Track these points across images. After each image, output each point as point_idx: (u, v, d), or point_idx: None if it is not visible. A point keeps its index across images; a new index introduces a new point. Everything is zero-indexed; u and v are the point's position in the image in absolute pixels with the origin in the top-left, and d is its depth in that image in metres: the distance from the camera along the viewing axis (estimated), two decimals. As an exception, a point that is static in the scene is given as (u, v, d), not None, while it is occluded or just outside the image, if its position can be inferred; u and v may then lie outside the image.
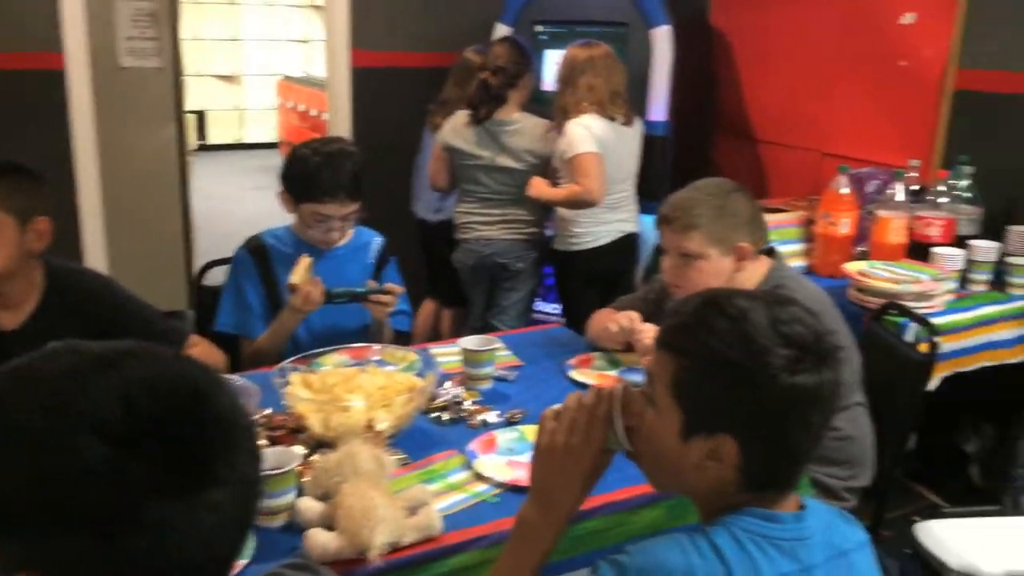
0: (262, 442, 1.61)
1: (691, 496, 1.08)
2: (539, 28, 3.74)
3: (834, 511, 1.10)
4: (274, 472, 1.39)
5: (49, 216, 1.86)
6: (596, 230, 3.06)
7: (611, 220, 3.07)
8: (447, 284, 3.50)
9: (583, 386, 1.95)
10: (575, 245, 3.08)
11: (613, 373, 2.04)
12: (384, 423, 1.59)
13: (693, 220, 1.85)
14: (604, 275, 3.10)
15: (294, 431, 1.66)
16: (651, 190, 3.22)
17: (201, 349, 2.03)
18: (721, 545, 0.97)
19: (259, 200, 7.01)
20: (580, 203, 2.96)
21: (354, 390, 1.68)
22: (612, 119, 2.97)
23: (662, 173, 3.43)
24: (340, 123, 4.08)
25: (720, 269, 1.85)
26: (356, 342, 1.99)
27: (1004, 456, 2.64)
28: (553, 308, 3.64)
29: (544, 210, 3.18)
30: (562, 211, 3.08)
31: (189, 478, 0.69)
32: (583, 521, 1.43)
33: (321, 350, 1.89)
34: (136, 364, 0.72)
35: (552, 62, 3.67)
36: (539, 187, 3.03)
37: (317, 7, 9.57)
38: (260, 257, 2.22)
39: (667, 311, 1.08)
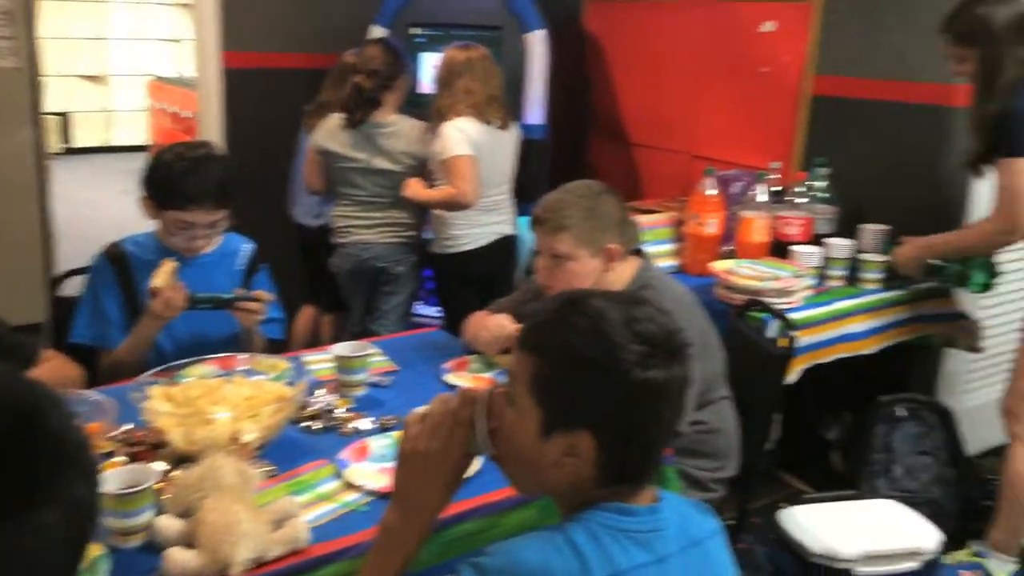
0: (120, 459, 1.54)
1: (551, 495, 1.10)
2: (415, 31, 3.73)
3: (689, 502, 1.14)
4: (130, 491, 1.34)
5: None
6: (473, 232, 3.07)
7: (488, 222, 3.09)
8: (327, 289, 3.44)
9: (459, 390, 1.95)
10: (452, 248, 3.08)
11: (489, 376, 2.05)
12: (250, 435, 1.54)
13: (563, 221, 1.89)
14: (482, 277, 3.12)
15: (155, 447, 1.59)
16: (528, 192, 3.25)
17: (54, 364, 1.92)
18: (578, 541, 0.99)
19: (127, 205, 6.66)
20: (454, 205, 2.96)
21: (219, 402, 1.63)
22: (488, 123, 2.99)
23: (539, 175, 3.48)
24: (211, 126, 3.95)
25: (589, 270, 1.89)
26: (225, 351, 1.93)
27: (861, 442, 2.78)
28: (435, 311, 3.63)
29: (422, 213, 3.17)
30: (438, 214, 3.07)
31: (9, 499, 0.66)
32: (455, 525, 1.43)
33: (185, 361, 1.82)
34: None
35: (428, 64, 3.68)
36: (414, 188, 3.02)
37: (187, 5, 9.22)
38: (120, 265, 2.12)
39: (527, 313, 1.11)
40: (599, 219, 1.91)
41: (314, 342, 3.53)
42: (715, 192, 2.77)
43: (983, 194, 2.40)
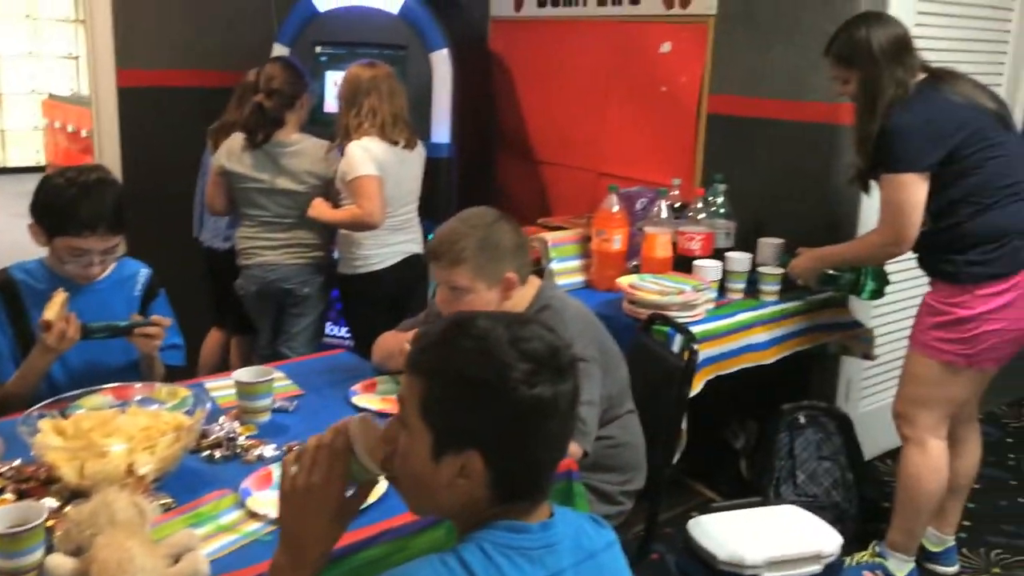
0: (8, 496, 1.48)
1: (447, 516, 1.11)
2: (319, 49, 3.70)
3: (584, 516, 1.17)
4: (19, 529, 1.28)
5: None
6: (381, 252, 3.05)
7: (395, 241, 3.07)
8: (235, 312, 3.37)
9: (369, 413, 1.94)
10: (361, 268, 3.05)
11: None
12: (146, 467, 1.50)
13: (459, 255, 1.87)
14: (391, 297, 3.10)
15: (45, 482, 1.53)
16: (435, 211, 3.25)
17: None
18: (470, 561, 1.00)
19: (21, 230, 6.42)
20: (361, 225, 2.94)
21: (113, 433, 1.57)
22: (394, 143, 2.98)
23: (446, 194, 3.49)
24: (108, 146, 3.83)
25: (488, 301, 1.89)
26: (124, 380, 1.87)
27: (766, 450, 2.87)
28: (346, 331, 3.59)
29: (329, 233, 3.13)
30: (345, 234, 3.04)
31: None
32: (362, 551, 1.42)
33: (78, 392, 1.75)
34: None
35: (332, 83, 3.65)
36: (320, 208, 2.99)
37: (83, 21, 8.94)
38: (8, 294, 2.04)
39: (415, 337, 1.13)
40: (495, 249, 1.89)
41: (224, 367, 3.45)
42: (619, 209, 2.83)
43: (873, 206, 2.51)
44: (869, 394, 3.29)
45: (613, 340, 2.08)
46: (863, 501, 2.84)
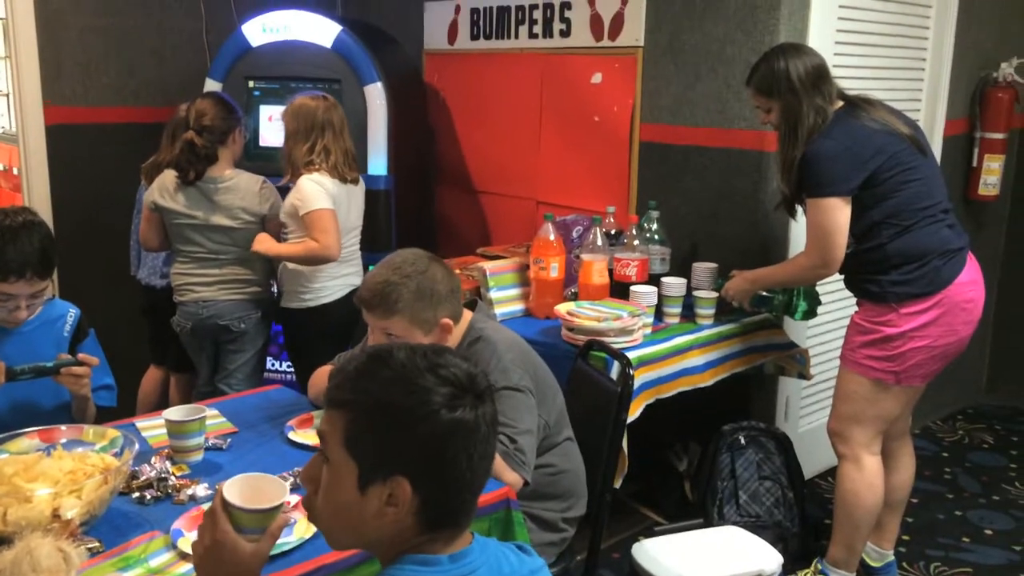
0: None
1: (370, 548, 1.11)
2: (252, 83, 3.69)
3: (508, 545, 1.18)
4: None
5: None
6: (329, 285, 3.03)
7: (341, 274, 3.06)
8: (174, 350, 3.31)
9: (303, 447, 1.92)
10: (309, 302, 3.02)
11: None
12: (72, 511, 1.46)
13: (393, 306, 1.86)
14: (338, 330, 3.07)
15: (-33, 531, 1.48)
16: (375, 243, 3.25)
17: None
18: None
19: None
20: (318, 259, 2.92)
21: (37, 477, 1.53)
22: (344, 180, 2.97)
23: (385, 225, 3.49)
24: (37, 185, 3.76)
25: None
26: (54, 423, 1.82)
27: (708, 471, 2.90)
28: (288, 366, 3.54)
29: (267, 268, 3.10)
30: (293, 268, 3.01)
31: None
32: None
33: (1, 436, 1.70)
34: None
35: (266, 116, 3.64)
36: (267, 243, 2.97)
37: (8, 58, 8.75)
38: (-70, 336, 1.98)
39: (332, 373, 1.14)
40: (430, 297, 1.88)
41: (164, 405, 3.37)
42: (555, 236, 2.86)
43: (802, 229, 2.58)
44: (807, 413, 3.36)
45: (547, 369, 2.09)
46: (805, 519, 2.89)
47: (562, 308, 2.68)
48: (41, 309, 2.08)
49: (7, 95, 8.94)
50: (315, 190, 2.87)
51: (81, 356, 1.98)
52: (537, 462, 1.93)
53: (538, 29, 3.71)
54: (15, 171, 6.88)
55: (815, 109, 2.38)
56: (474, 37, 4.00)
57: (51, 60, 3.71)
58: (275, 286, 3.16)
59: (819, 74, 2.41)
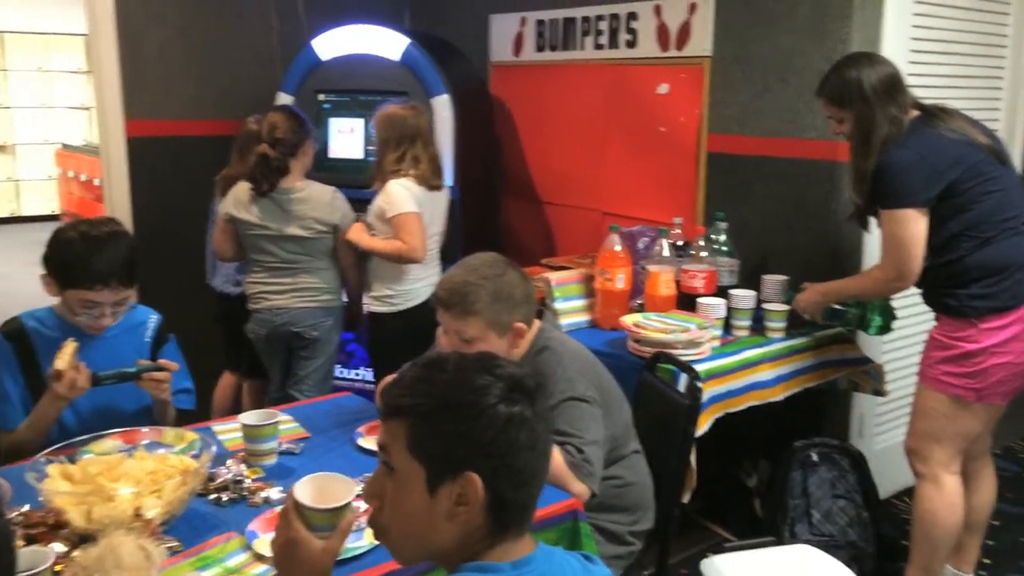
0: (17, 542, 1.48)
1: (438, 557, 1.12)
2: (322, 96, 3.77)
3: (574, 554, 1.17)
4: (27, 574, 1.28)
5: None
6: (414, 288, 3.12)
7: (424, 277, 3.14)
8: (247, 356, 3.39)
9: (373, 454, 1.94)
10: (397, 305, 3.10)
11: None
12: (153, 510, 1.50)
13: (471, 307, 1.87)
14: (420, 333, 3.10)
15: (54, 527, 1.54)
16: (442, 253, 3.29)
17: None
18: None
19: (35, 278, 6.51)
20: (404, 259, 3.02)
21: (120, 478, 1.58)
22: (431, 188, 3.06)
23: (452, 236, 3.52)
24: (118, 195, 3.89)
25: (498, 349, 1.89)
26: (137, 424, 1.89)
27: (779, 488, 2.85)
28: (355, 374, 3.60)
29: (338, 277, 3.17)
30: (385, 272, 3.10)
31: None
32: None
33: (86, 437, 1.77)
34: None
35: (335, 129, 3.72)
36: (361, 234, 3.06)
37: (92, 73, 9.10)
38: (20, 342, 2.05)
39: (386, 386, 1.18)
40: (506, 301, 1.89)
41: (236, 410, 3.46)
42: (621, 248, 2.85)
43: (876, 240, 2.52)
44: (883, 431, 3.27)
45: (614, 380, 2.08)
46: (880, 540, 2.81)
47: (628, 319, 2.67)
48: (124, 315, 2.15)
49: (87, 109, 9.31)
50: (402, 194, 2.97)
51: (161, 361, 2.04)
52: (604, 474, 1.92)
53: (604, 40, 3.71)
54: (96, 182, 7.17)
55: (889, 119, 2.33)
56: (539, 49, 4.03)
57: (132, 75, 3.84)
58: (345, 294, 3.22)
59: (892, 83, 2.36)
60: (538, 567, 1.09)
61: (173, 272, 3.69)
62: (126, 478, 1.59)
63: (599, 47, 3.74)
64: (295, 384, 3.17)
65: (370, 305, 3.17)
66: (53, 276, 2.03)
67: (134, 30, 3.83)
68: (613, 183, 3.74)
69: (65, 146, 8.45)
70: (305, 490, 1.27)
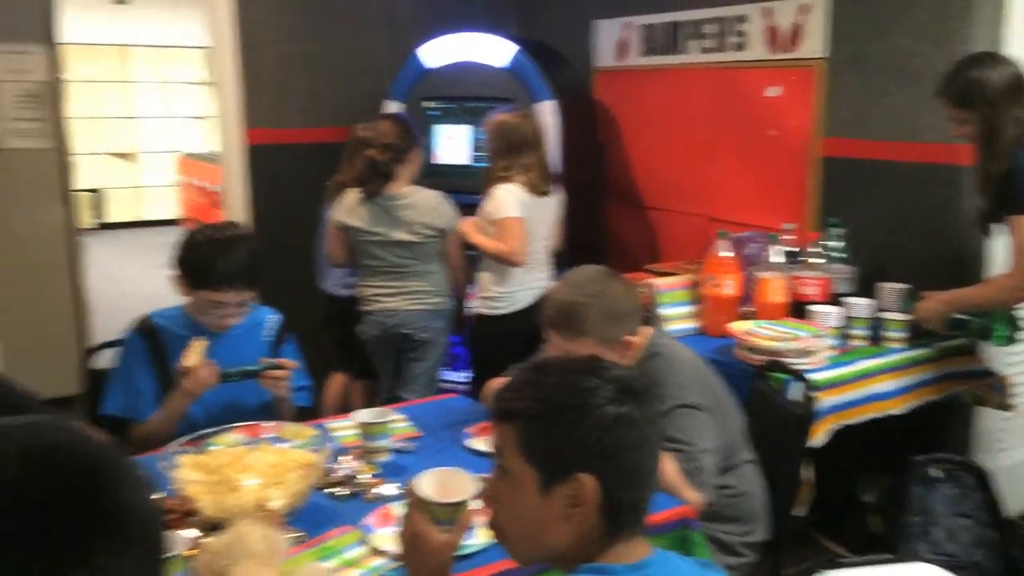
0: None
1: (552, 559, 1.13)
2: (428, 104, 3.84)
3: (692, 561, 1.16)
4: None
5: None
6: (518, 293, 3.17)
7: (528, 281, 3.18)
8: (357, 357, 3.49)
9: (482, 455, 1.97)
10: (500, 308, 3.16)
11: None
12: (278, 501, 1.56)
13: (581, 327, 1.82)
14: (523, 338, 3.12)
15: (186, 514, 1.62)
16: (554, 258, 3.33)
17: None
18: None
19: (159, 279, 6.86)
20: (504, 261, 3.09)
21: (245, 469, 1.65)
22: (538, 193, 3.11)
23: (557, 241, 3.53)
24: (238, 201, 4.06)
25: None
26: (256, 420, 1.96)
27: (898, 504, 2.74)
28: (462, 377, 3.65)
29: (446, 280, 3.23)
30: (486, 275, 3.17)
31: (58, 559, 0.69)
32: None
33: (213, 429, 1.85)
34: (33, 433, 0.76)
35: (441, 136, 3.79)
36: (470, 229, 3.13)
37: (214, 84, 9.52)
38: (151, 339, 2.17)
39: (496, 391, 1.19)
40: (614, 317, 1.85)
41: (345, 409, 3.56)
42: (730, 254, 2.80)
43: (999, 248, 2.41)
44: (1009, 446, 3.10)
45: (725, 388, 2.05)
46: (1008, 561, 2.67)
47: (738, 327, 2.62)
48: (246, 316, 2.25)
49: (206, 119, 9.71)
50: (507, 198, 3.04)
51: (281, 360, 2.12)
52: (716, 482, 1.89)
53: (711, 43, 3.66)
54: (215, 188, 7.50)
55: (1014, 120, 2.22)
56: (644, 53, 4.00)
57: (251, 85, 4.01)
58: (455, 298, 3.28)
59: (1017, 84, 2.26)
60: (655, 571, 1.09)
61: (286, 275, 3.82)
62: (251, 470, 1.65)
63: (706, 51, 3.69)
64: (404, 385, 3.24)
65: (476, 307, 3.22)
66: (183, 277, 2.14)
67: (253, 43, 4.00)
68: (720, 188, 3.68)
69: (186, 154, 8.87)
70: (427, 484, 1.31)
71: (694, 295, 2.92)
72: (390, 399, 3.20)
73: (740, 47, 3.53)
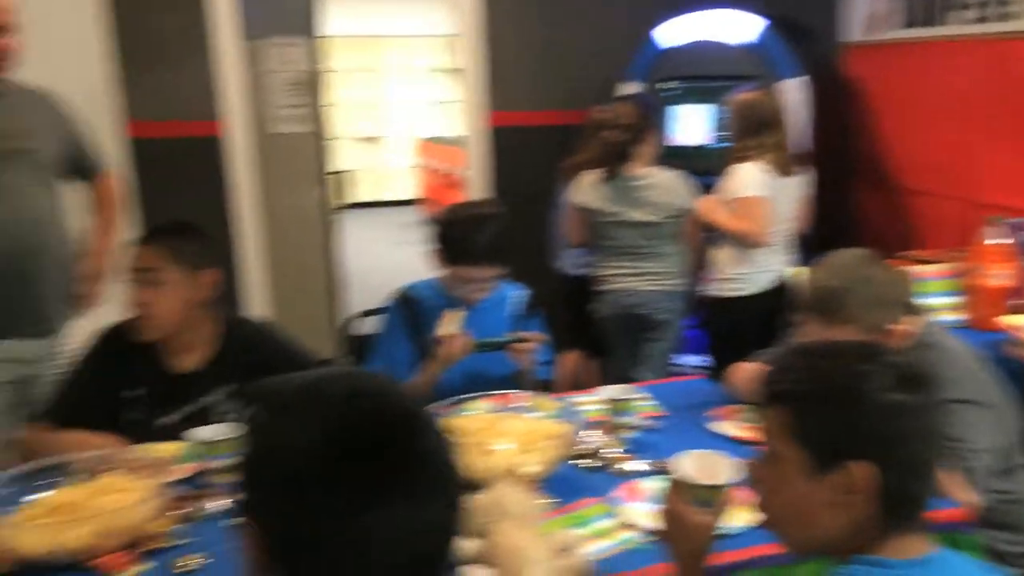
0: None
1: (826, 547, 1.09)
2: (666, 84, 3.80)
3: (975, 564, 1.09)
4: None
5: (215, 269, 2.03)
6: (756, 275, 3.11)
7: (768, 264, 3.11)
8: (590, 336, 3.54)
9: (726, 439, 1.94)
10: (739, 290, 3.11)
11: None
12: (533, 466, 1.62)
13: (844, 314, 1.72)
14: (761, 320, 3.04)
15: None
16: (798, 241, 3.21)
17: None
18: None
19: (403, 255, 7.40)
20: (745, 241, 3.03)
21: (500, 435, 1.73)
22: (782, 173, 3.03)
23: (805, 222, 3.39)
24: (479, 180, 4.24)
25: None
26: (500, 389, 2.05)
27: None
28: (694, 360, 3.61)
29: (683, 261, 3.19)
30: (723, 256, 3.12)
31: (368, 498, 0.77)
32: (739, 572, 1.43)
33: (465, 396, 1.95)
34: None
35: (681, 116, 3.73)
36: (712, 207, 3.09)
37: (453, 71, 9.97)
38: (409, 309, 2.32)
39: (768, 372, 1.13)
40: (880, 304, 1.74)
41: (577, 387, 3.62)
42: (999, 241, 2.56)
43: None
44: None
45: (1001, 385, 1.88)
46: None
47: (1010, 320, 2.40)
48: (494, 290, 2.34)
49: (443, 104, 10.16)
50: (749, 177, 2.98)
51: (530, 333, 2.19)
52: (991, 486, 1.74)
53: (982, 13, 3.34)
54: (452, 170, 7.85)
55: None
56: (902, 25, 3.72)
57: (495, 70, 4.16)
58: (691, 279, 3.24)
59: None
60: (935, 570, 1.03)
61: (520, 253, 3.94)
62: (504, 436, 1.73)
63: (979, 20, 3.37)
64: (637, 365, 3.25)
65: (713, 289, 3.16)
66: (440, 252, 2.26)
67: (497, 30, 4.14)
68: (991, 171, 3.37)
69: (426, 138, 9.34)
70: (687, 464, 1.32)
71: (959, 285, 2.70)
72: (622, 379, 3.21)
73: (1013, 16, 3.20)
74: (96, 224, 2.71)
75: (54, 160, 2.54)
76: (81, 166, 2.65)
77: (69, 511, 1.55)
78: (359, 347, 2.59)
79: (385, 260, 7.15)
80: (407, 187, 10.04)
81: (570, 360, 3.80)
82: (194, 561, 1.51)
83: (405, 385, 2.19)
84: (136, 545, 1.54)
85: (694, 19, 3.76)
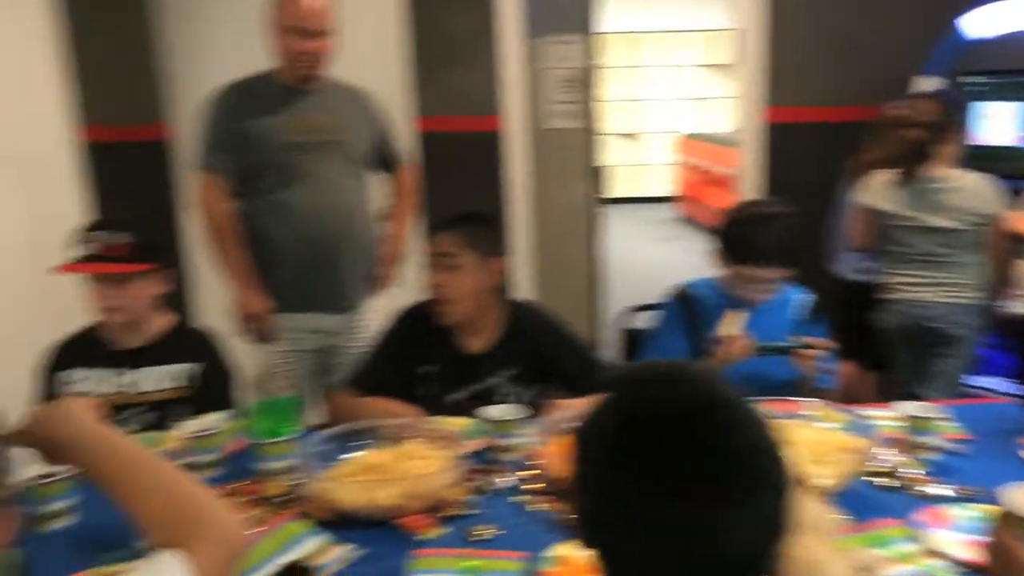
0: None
1: None
2: (969, 79, 3.48)
3: None
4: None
5: (504, 257, 2.14)
6: None
7: None
8: (867, 347, 3.33)
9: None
10: None
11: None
12: (826, 479, 1.56)
13: None
14: None
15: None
16: None
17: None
18: None
19: (662, 251, 7.41)
20: None
21: (791, 444, 1.66)
22: None
23: None
24: (752, 178, 4.12)
25: None
26: (780, 394, 1.98)
27: None
28: (988, 381, 3.29)
29: (983, 273, 2.92)
30: None
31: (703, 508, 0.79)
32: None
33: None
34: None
35: (986, 114, 3.42)
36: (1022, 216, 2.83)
37: (717, 66, 9.77)
38: (687, 306, 2.31)
39: None
40: None
41: (851, 401, 3.43)
42: None
43: None
44: None
45: None
46: None
47: None
48: (777, 292, 2.27)
49: (703, 100, 9.98)
50: None
51: (816, 340, 2.10)
52: None
53: None
54: (713, 168, 7.69)
55: None
56: None
57: (775, 64, 4.02)
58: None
59: None
60: None
61: (802, 257, 3.81)
62: (795, 444, 1.66)
63: None
64: (922, 382, 3.01)
65: (1019, 307, 2.85)
66: (724, 251, 2.23)
67: (781, 23, 3.99)
68: None
69: (685, 135, 9.22)
70: (1020, 498, 1.22)
71: None
72: (903, 395, 3.00)
73: None
74: (395, 212, 2.94)
75: (363, 152, 2.78)
76: (385, 158, 2.88)
77: (380, 471, 1.70)
78: (631, 341, 2.62)
79: (642, 256, 7.17)
80: (664, 183, 9.98)
81: (845, 370, 3.60)
82: (488, 532, 1.59)
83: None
84: (436, 509, 1.65)
85: (1006, 7, 3.41)
